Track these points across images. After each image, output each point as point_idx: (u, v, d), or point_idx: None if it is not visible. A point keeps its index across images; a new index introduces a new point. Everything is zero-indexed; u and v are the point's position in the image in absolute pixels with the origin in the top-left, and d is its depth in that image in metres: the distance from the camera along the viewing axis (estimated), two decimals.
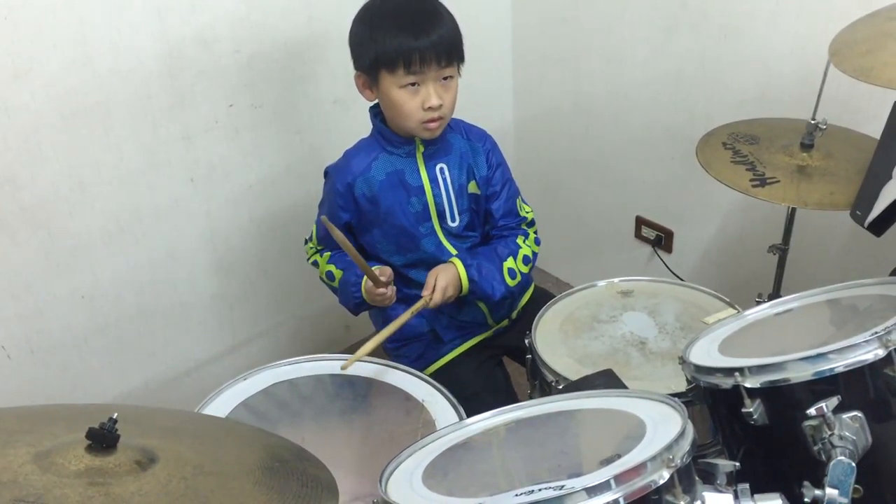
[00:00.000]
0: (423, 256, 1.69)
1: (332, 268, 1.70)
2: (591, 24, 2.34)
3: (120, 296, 1.97)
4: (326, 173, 1.72)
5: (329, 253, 1.73)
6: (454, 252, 1.70)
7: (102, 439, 0.85)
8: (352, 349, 2.39)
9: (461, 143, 1.70)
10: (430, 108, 1.54)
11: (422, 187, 1.66)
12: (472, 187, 1.71)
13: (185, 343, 2.14)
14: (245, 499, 0.85)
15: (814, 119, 1.67)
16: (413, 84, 1.53)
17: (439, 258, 1.68)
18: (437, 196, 1.67)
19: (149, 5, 1.77)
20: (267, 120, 2.06)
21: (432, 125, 1.57)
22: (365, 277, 1.59)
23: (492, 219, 1.76)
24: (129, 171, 1.87)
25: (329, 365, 1.56)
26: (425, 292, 1.59)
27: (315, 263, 1.76)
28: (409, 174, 1.65)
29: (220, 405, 1.44)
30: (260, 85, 2.01)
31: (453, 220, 1.70)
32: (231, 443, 1.03)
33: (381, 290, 1.59)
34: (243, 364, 1.57)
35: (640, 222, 2.51)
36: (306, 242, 1.79)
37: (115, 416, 0.86)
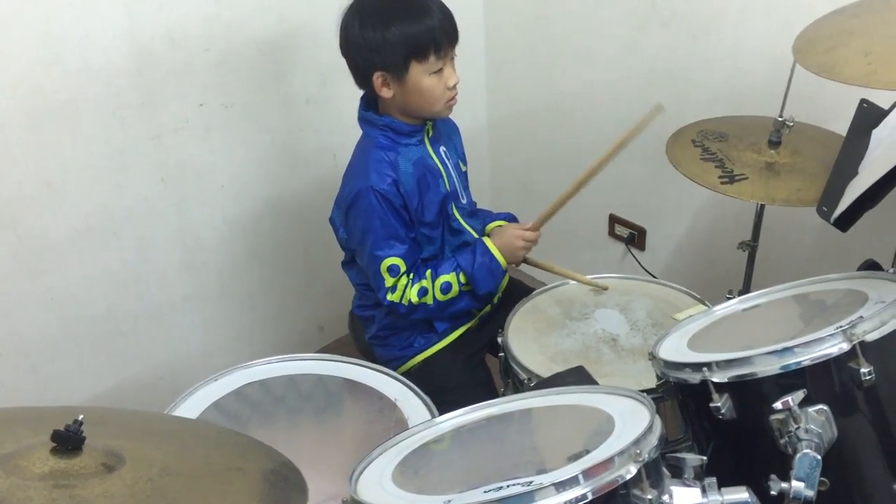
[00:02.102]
0: (450, 239, 1.72)
1: (443, 279, 1.65)
2: (562, 23, 2.35)
3: (90, 297, 1.95)
4: (356, 198, 1.59)
5: (429, 270, 1.65)
6: (475, 234, 1.74)
7: (67, 441, 0.84)
8: (326, 349, 2.40)
9: (442, 125, 1.73)
10: (452, 87, 1.60)
11: (438, 169, 1.68)
12: (462, 166, 1.77)
13: (157, 344, 2.12)
14: (212, 500, 0.84)
15: (781, 116, 1.69)
16: (440, 70, 1.57)
17: (462, 237, 1.73)
18: (449, 177, 1.70)
19: (117, 3, 1.75)
20: (238, 119, 2.04)
21: (452, 103, 1.64)
22: (494, 248, 1.67)
23: None
24: (98, 171, 1.85)
25: (302, 365, 1.55)
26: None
27: (422, 292, 1.63)
28: (428, 159, 1.67)
29: (191, 406, 1.43)
30: (231, 84, 2.00)
31: (463, 198, 1.75)
32: (200, 444, 1.02)
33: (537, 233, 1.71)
34: (216, 365, 1.55)
35: (614, 220, 2.52)
36: (389, 292, 1.62)
37: (80, 419, 0.85)
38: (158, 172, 1.96)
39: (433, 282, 1.64)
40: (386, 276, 1.62)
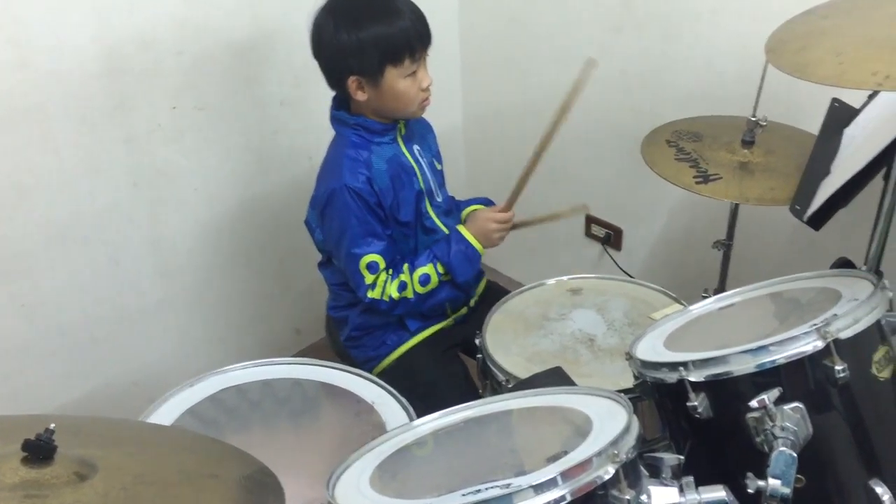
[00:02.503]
0: (423, 239, 1.72)
1: (421, 271, 1.65)
2: (536, 25, 2.35)
3: (61, 303, 1.92)
4: (331, 198, 1.60)
5: (406, 264, 1.65)
6: (446, 230, 1.73)
7: (39, 451, 0.83)
8: (303, 352, 2.39)
9: (415, 123, 1.73)
10: (426, 89, 1.61)
11: (412, 167, 1.68)
12: (437, 165, 1.77)
13: (130, 350, 2.10)
14: None
15: (754, 116, 1.70)
16: (414, 72, 1.58)
17: (434, 236, 1.72)
18: (423, 175, 1.70)
19: (87, 5, 1.73)
20: (212, 122, 2.03)
21: (426, 103, 1.65)
22: (468, 234, 1.67)
23: None
24: (70, 176, 1.83)
25: (278, 369, 1.54)
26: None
27: (402, 287, 1.63)
28: (401, 157, 1.67)
29: (166, 413, 1.41)
30: (204, 87, 1.98)
31: (438, 196, 1.75)
32: (174, 451, 1.01)
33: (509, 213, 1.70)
34: (191, 370, 1.53)
35: (590, 220, 2.53)
36: (369, 290, 1.62)
37: (52, 427, 0.84)
38: (131, 177, 1.93)
39: (411, 275, 1.64)
40: (365, 273, 1.62)
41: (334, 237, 1.64)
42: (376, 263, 1.62)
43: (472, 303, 1.84)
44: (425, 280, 1.65)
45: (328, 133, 1.68)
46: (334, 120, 1.66)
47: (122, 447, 0.97)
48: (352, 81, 1.57)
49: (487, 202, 1.87)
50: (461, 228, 1.70)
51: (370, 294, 1.63)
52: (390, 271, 1.64)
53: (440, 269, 1.66)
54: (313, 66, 1.61)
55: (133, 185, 1.94)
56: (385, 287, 1.63)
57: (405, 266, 1.65)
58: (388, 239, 1.64)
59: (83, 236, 1.90)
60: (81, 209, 1.88)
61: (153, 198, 1.99)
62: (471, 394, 1.68)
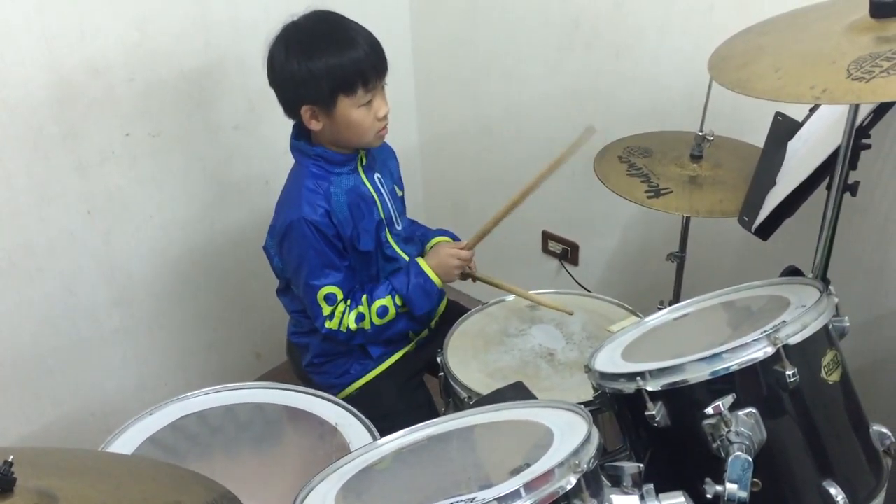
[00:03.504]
0: (383, 265, 1.72)
1: (379, 303, 1.64)
2: (487, 44, 2.39)
3: (14, 334, 1.88)
4: (288, 230, 1.59)
5: (364, 295, 1.65)
6: (407, 258, 1.74)
7: None
8: (265, 377, 2.37)
9: (377, 150, 1.73)
10: (383, 118, 1.60)
11: (372, 197, 1.68)
12: (398, 191, 1.78)
13: (88, 380, 2.06)
14: None
15: (701, 131, 1.75)
16: (369, 101, 1.57)
17: (395, 264, 1.72)
18: (383, 203, 1.70)
19: (35, 34, 1.71)
20: (166, 148, 2.01)
21: (384, 133, 1.64)
22: (427, 268, 1.67)
23: None
24: (20, 205, 1.80)
25: (240, 394, 1.53)
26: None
27: (360, 318, 1.63)
28: (361, 187, 1.67)
29: (126, 442, 1.39)
30: (157, 113, 1.97)
31: (398, 224, 1.75)
32: (136, 480, 1.00)
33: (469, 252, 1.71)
34: (150, 399, 1.52)
35: (547, 237, 2.56)
36: (327, 320, 1.62)
37: (10, 459, 0.83)
38: (84, 205, 1.91)
39: (369, 307, 1.64)
40: (323, 304, 1.62)
41: (292, 267, 1.64)
42: (334, 295, 1.62)
43: (432, 324, 1.84)
44: (383, 312, 1.65)
45: (285, 157, 1.68)
46: (294, 149, 1.66)
47: (83, 477, 0.96)
48: (305, 110, 1.57)
49: (453, 237, 1.87)
50: (421, 262, 1.69)
51: (328, 325, 1.63)
52: (348, 302, 1.64)
53: (398, 302, 1.66)
54: (266, 92, 1.61)
55: (87, 212, 1.92)
56: (343, 318, 1.63)
57: (363, 297, 1.65)
58: (346, 270, 1.64)
59: (36, 266, 1.87)
60: (33, 239, 1.85)
61: (108, 225, 1.97)
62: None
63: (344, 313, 1.63)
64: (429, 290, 1.67)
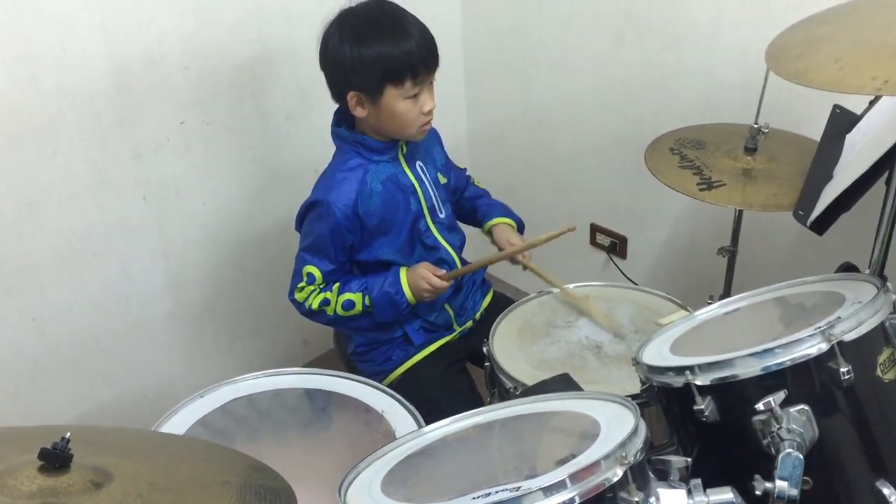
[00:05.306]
0: (423, 254, 1.73)
1: (347, 297, 1.65)
2: (539, 34, 2.37)
3: (71, 317, 1.94)
4: (312, 206, 1.65)
5: (337, 283, 1.66)
6: (451, 250, 1.76)
7: (55, 459, 0.84)
8: (312, 363, 2.40)
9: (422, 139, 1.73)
10: (428, 112, 1.60)
11: (412, 186, 1.69)
12: (441, 178, 1.77)
13: (141, 363, 2.11)
14: None
15: (756, 123, 1.72)
16: (416, 94, 1.57)
17: (437, 253, 1.73)
18: (425, 192, 1.71)
19: (94, 22, 1.75)
20: (219, 136, 2.05)
21: (427, 127, 1.64)
22: (405, 281, 1.65)
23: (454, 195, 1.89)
24: (79, 191, 1.85)
25: (288, 379, 1.55)
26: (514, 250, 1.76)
27: (325, 302, 1.65)
28: (401, 176, 1.68)
29: (177, 423, 1.42)
30: (211, 101, 2.00)
31: (441, 212, 1.76)
32: (187, 459, 1.02)
33: (442, 283, 1.66)
34: (200, 382, 1.55)
35: (595, 229, 2.54)
36: (296, 291, 1.67)
37: (67, 436, 0.85)
38: (140, 191, 1.95)
39: (338, 296, 1.65)
40: (303, 277, 1.66)
41: (302, 234, 1.69)
42: (314, 277, 1.65)
43: (477, 316, 1.85)
44: (349, 306, 1.66)
45: (333, 146, 1.70)
46: (334, 136, 1.68)
47: (136, 456, 0.98)
48: (351, 96, 1.58)
49: (517, 219, 1.89)
50: (402, 273, 1.67)
51: (296, 294, 1.67)
52: (322, 286, 1.66)
53: (367, 302, 1.66)
54: (318, 81, 1.63)
55: (142, 198, 1.96)
56: (309, 296, 1.66)
57: (335, 286, 1.66)
58: (338, 265, 1.66)
59: (93, 251, 1.92)
60: (91, 224, 1.90)
61: (162, 211, 2.01)
62: (477, 407, 1.69)
63: (313, 292, 1.66)
64: (397, 303, 1.66)
